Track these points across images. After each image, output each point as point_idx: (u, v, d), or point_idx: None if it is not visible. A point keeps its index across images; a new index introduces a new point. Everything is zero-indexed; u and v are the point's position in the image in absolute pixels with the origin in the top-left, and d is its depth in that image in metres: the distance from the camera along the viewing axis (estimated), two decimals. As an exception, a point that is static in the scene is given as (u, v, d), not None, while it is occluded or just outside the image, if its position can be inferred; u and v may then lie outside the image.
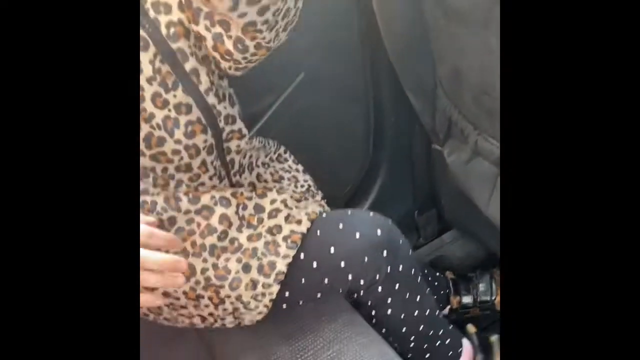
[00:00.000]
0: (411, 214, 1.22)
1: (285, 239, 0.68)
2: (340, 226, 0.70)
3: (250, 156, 0.77)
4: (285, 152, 0.87)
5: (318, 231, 0.69)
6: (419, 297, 0.77)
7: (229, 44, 0.60)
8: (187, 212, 0.66)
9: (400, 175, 1.15)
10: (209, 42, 0.61)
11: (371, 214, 0.74)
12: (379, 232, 0.70)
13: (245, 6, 0.52)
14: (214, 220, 0.66)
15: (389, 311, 0.75)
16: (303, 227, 0.68)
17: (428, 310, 0.80)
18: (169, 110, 0.60)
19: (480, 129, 0.85)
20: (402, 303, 0.75)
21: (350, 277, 0.69)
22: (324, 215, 0.72)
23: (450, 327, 0.88)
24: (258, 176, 0.78)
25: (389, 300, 0.74)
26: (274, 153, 0.85)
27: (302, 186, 0.84)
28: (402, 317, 0.77)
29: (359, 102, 1.05)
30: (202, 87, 0.62)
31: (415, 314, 0.78)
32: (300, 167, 0.87)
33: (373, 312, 0.76)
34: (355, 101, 1.05)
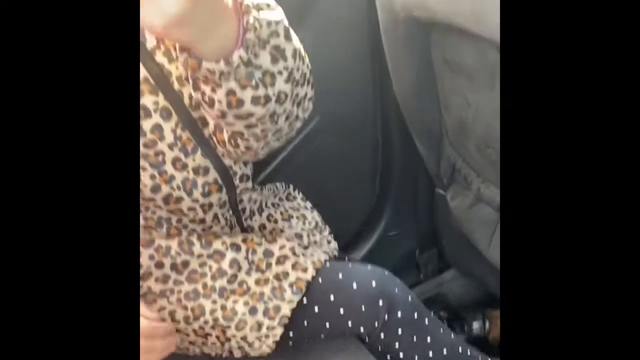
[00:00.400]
0: (413, 252, 1.26)
1: (291, 285, 0.72)
2: (340, 276, 0.74)
3: (261, 200, 0.81)
4: (294, 191, 0.92)
5: (320, 279, 0.73)
6: (429, 338, 0.80)
7: (225, 136, 0.62)
8: (200, 256, 0.70)
9: (404, 214, 1.19)
10: (210, 127, 0.64)
11: (369, 267, 0.78)
12: (373, 283, 0.74)
13: (232, 118, 0.54)
14: (225, 264, 0.70)
15: (401, 355, 0.78)
16: (308, 275, 0.72)
17: (446, 349, 0.82)
18: (188, 172, 0.64)
19: (483, 177, 0.89)
20: (411, 346, 0.78)
21: (350, 323, 0.73)
22: (327, 264, 0.76)
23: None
24: (268, 216, 0.82)
25: (397, 344, 0.77)
26: (283, 193, 0.90)
27: (309, 223, 0.88)
28: (416, 359, 0.80)
29: (367, 144, 1.10)
30: (220, 151, 0.66)
31: (430, 354, 0.80)
32: (308, 205, 0.91)
33: (388, 357, 0.79)
34: (364, 143, 1.10)
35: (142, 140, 0.60)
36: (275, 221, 0.83)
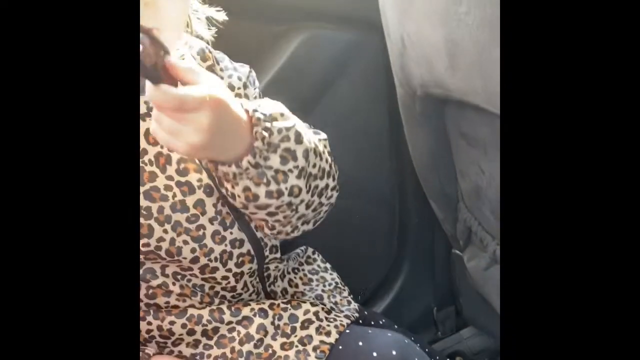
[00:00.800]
0: (430, 310, 1.28)
1: (315, 349, 0.74)
2: (360, 344, 0.76)
3: (284, 267, 0.85)
4: (313, 254, 0.95)
5: (341, 346, 0.76)
6: None
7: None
8: (229, 322, 0.74)
9: (421, 272, 1.22)
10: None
11: (389, 333, 0.80)
12: (394, 352, 0.76)
13: (253, 209, 0.62)
14: (252, 330, 0.74)
15: None
16: (332, 339, 0.75)
17: None
18: (226, 245, 0.68)
19: (498, 240, 0.93)
20: None
21: None
22: (348, 330, 0.78)
23: None
24: (289, 281, 0.86)
25: None
26: (303, 256, 0.93)
27: (329, 284, 0.91)
28: None
29: (385, 204, 1.14)
30: (253, 224, 0.72)
31: None
32: (328, 266, 0.95)
33: None
34: (382, 204, 1.14)
35: (184, 216, 0.64)
36: (296, 285, 0.87)
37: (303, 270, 0.90)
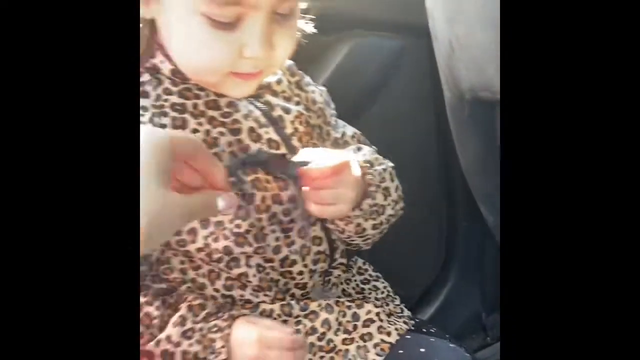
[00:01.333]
0: (479, 315, 1.27)
1: (375, 345, 0.76)
2: (422, 350, 0.77)
3: (344, 277, 0.87)
4: (364, 264, 0.97)
5: (401, 350, 0.77)
6: None
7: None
8: (297, 316, 0.76)
9: (470, 278, 1.21)
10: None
11: (451, 344, 0.81)
12: None
13: (354, 235, 0.73)
14: (318, 323, 0.76)
15: None
16: (392, 339, 0.76)
17: None
18: (307, 240, 0.72)
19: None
20: None
21: None
22: (409, 336, 0.79)
23: None
24: (343, 291, 0.88)
25: None
26: (354, 268, 0.95)
27: (382, 293, 0.92)
28: None
29: (433, 209, 1.15)
30: (331, 226, 0.75)
31: None
32: (379, 275, 0.96)
33: None
34: (430, 208, 1.14)
35: (280, 208, 0.67)
36: (349, 295, 0.88)
37: (355, 280, 0.92)
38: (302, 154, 0.63)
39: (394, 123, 1.05)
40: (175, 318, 0.62)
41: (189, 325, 0.62)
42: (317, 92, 0.78)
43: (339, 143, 0.80)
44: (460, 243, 1.18)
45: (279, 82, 0.72)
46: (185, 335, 0.61)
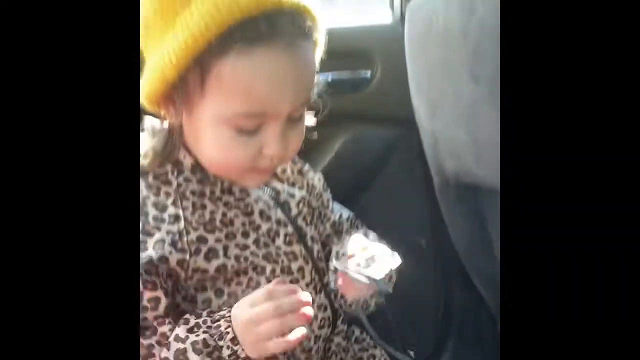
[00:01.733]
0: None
1: None
2: None
3: (343, 345, 0.92)
4: (361, 333, 1.02)
5: None
6: None
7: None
8: None
9: (467, 353, 1.24)
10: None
11: None
12: None
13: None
14: None
15: None
16: None
17: None
18: (314, 308, 0.72)
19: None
20: None
21: None
22: None
23: None
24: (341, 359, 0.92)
25: None
26: (352, 337, 1.00)
27: None
28: None
29: (429, 285, 1.20)
30: (333, 294, 0.81)
31: None
32: (377, 344, 1.00)
33: None
34: (425, 284, 1.20)
35: (288, 278, 0.73)
36: None
37: (353, 349, 0.96)
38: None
39: (389, 204, 1.14)
40: (180, 321, 0.64)
41: (192, 322, 0.63)
42: (316, 178, 0.86)
43: (336, 224, 0.87)
44: (456, 318, 1.23)
45: (283, 170, 0.80)
46: (191, 331, 0.62)
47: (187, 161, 0.68)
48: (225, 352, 0.60)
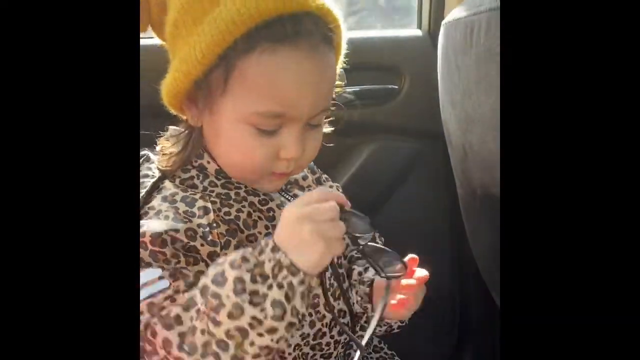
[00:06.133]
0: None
1: None
2: None
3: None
4: (379, 343, 1.02)
5: None
6: None
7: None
8: None
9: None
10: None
11: None
12: None
13: None
14: None
15: None
16: None
17: None
18: (334, 314, 0.75)
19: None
20: None
21: None
22: None
23: None
24: None
25: None
26: (371, 345, 1.01)
27: None
28: None
29: (447, 298, 1.22)
30: (352, 301, 0.81)
31: None
32: (394, 353, 1.01)
33: None
34: (443, 297, 1.22)
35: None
36: None
37: (372, 358, 0.97)
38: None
39: (411, 215, 1.16)
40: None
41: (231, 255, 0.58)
42: (334, 187, 0.87)
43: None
44: (473, 331, 1.25)
45: (304, 178, 0.82)
46: (227, 256, 0.58)
47: (212, 167, 0.70)
48: (267, 266, 0.54)
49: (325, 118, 0.71)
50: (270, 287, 0.53)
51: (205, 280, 0.56)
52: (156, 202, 0.65)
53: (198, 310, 0.56)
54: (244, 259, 0.55)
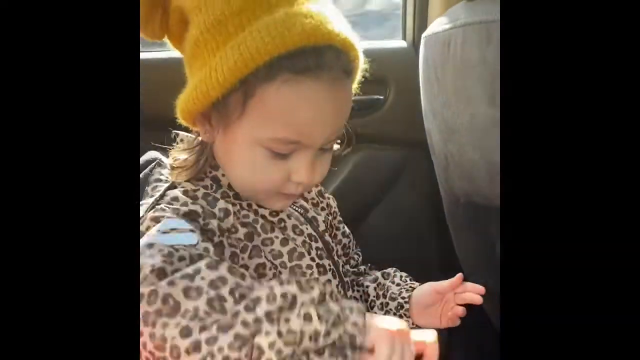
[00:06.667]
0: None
1: None
2: None
3: None
4: None
5: None
6: None
7: None
8: None
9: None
10: None
11: None
12: None
13: None
14: None
15: None
16: None
17: None
18: None
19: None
20: None
21: None
22: None
23: None
24: None
25: None
26: None
27: None
28: None
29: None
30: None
31: None
32: None
33: None
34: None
35: None
36: None
37: None
38: None
39: (397, 222, 1.18)
40: None
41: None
42: (331, 199, 0.89)
43: (345, 247, 0.90)
44: (461, 334, 1.26)
45: (308, 191, 0.83)
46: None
47: (225, 180, 0.71)
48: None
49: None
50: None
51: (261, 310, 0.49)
52: (177, 192, 0.66)
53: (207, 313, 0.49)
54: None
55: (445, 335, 1.27)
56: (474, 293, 0.75)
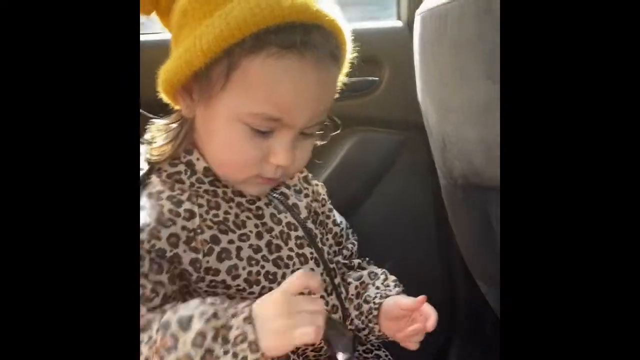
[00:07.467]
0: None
1: None
2: None
3: None
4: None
5: None
6: None
7: None
8: None
9: (471, 351, 1.28)
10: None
11: None
12: None
13: None
14: None
15: None
16: None
17: None
18: (326, 309, 0.76)
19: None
20: None
21: None
22: None
23: None
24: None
25: None
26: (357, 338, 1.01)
27: None
28: None
29: (434, 285, 1.23)
30: (343, 295, 0.81)
31: None
32: (380, 344, 1.02)
33: None
34: (431, 284, 1.22)
35: None
36: None
37: (358, 350, 0.98)
38: None
39: (395, 206, 1.16)
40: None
41: (208, 299, 0.60)
42: (320, 185, 0.88)
43: (337, 236, 0.89)
44: (461, 316, 1.25)
45: (291, 177, 0.82)
46: (203, 302, 0.59)
47: (200, 164, 0.69)
48: (233, 333, 0.55)
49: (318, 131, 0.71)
50: (226, 352, 0.55)
51: (170, 317, 0.57)
52: (141, 198, 0.65)
53: (150, 337, 0.57)
54: (215, 315, 0.56)
55: (447, 320, 1.27)
56: (423, 319, 0.75)
